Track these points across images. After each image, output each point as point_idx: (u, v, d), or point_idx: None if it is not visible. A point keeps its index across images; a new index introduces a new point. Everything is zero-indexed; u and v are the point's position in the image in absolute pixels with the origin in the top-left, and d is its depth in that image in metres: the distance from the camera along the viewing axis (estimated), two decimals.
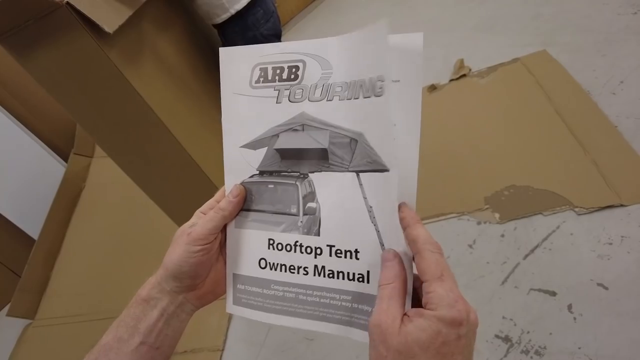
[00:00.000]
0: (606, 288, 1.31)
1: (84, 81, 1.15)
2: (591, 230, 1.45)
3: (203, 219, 0.46)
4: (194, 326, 1.79)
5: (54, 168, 2.62)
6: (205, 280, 0.47)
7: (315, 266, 0.44)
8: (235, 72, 0.46)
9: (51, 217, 2.44)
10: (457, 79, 2.29)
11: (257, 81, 0.45)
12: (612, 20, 2.19)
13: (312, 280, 0.44)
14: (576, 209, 1.51)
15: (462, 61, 2.36)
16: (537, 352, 1.26)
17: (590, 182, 1.55)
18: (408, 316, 0.33)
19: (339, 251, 0.42)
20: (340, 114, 0.40)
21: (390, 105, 0.36)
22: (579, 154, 1.65)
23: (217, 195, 0.50)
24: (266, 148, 0.45)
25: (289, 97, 0.43)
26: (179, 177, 1.42)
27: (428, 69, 2.49)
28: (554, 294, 1.36)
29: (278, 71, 0.44)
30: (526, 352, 1.27)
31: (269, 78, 0.44)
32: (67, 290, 2.31)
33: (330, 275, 0.43)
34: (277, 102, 0.44)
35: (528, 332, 1.31)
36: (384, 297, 0.34)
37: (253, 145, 0.45)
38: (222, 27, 1.52)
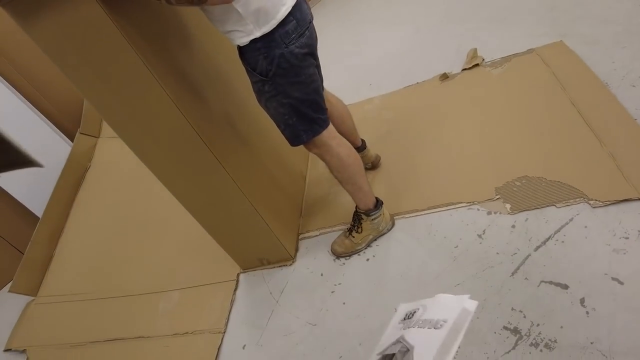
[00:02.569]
0: (621, 283, 1.27)
1: (89, 50, 1.11)
2: (606, 224, 1.41)
3: None
4: (196, 308, 1.77)
5: (59, 147, 2.60)
6: None
7: None
8: None
9: (56, 196, 2.42)
10: (470, 68, 2.24)
11: None
12: (632, 11, 2.13)
13: None
14: (591, 202, 1.47)
15: (475, 51, 2.31)
16: (547, 346, 1.23)
17: (607, 175, 1.51)
18: None
19: None
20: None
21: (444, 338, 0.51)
22: (595, 146, 1.60)
23: None
24: None
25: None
26: (184, 153, 1.39)
27: (440, 58, 2.44)
28: (565, 287, 1.32)
29: None
30: (536, 345, 1.24)
31: None
32: (70, 269, 2.30)
33: None
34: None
35: (538, 325, 1.27)
36: None
37: None
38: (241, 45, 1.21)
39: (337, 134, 1.48)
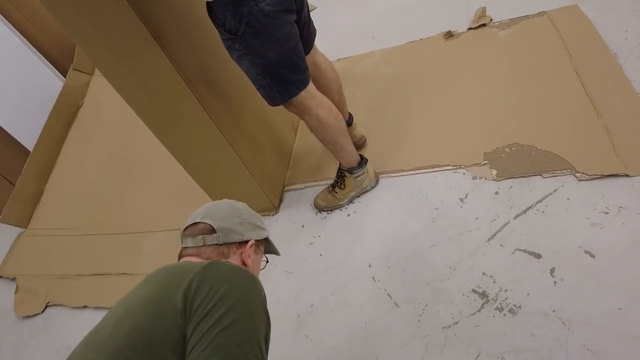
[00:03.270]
0: (593, 256, 1.27)
1: None
2: (589, 197, 1.39)
3: None
4: (177, 249, 1.75)
5: (52, 81, 2.56)
6: None
7: None
8: None
9: (47, 131, 2.41)
10: (476, 28, 2.14)
11: None
12: None
13: None
14: (577, 175, 1.44)
15: (484, 10, 2.19)
16: (511, 311, 1.25)
17: (598, 148, 1.48)
18: None
19: None
20: None
21: None
22: (592, 117, 1.56)
23: None
24: None
25: None
26: (166, 94, 1.35)
27: (448, 15, 2.33)
28: (539, 256, 1.33)
29: None
30: (500, 309, 1.26)
31: None
32: (60, 204, 2.33)
33: None
34: None
35: (506, 291, 1.29)
36: None
37: None
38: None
39: (317, 92, 1.41)
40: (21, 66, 2.43)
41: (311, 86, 1.38)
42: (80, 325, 1.80)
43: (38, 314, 1.91)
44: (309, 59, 1.47)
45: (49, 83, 2.54)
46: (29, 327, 1.89)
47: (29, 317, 1.91)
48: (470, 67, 1.98)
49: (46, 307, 1.92)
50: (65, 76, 2.59)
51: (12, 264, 2.19)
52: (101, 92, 2.71)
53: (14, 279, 2.10)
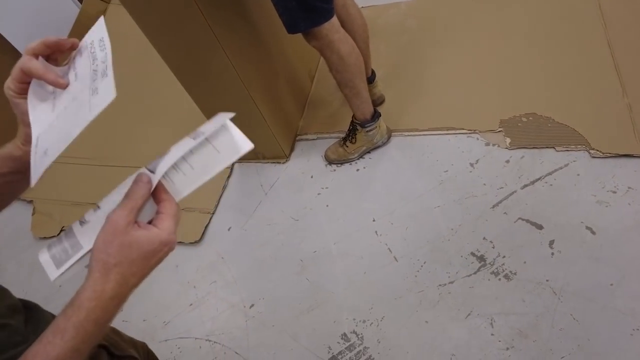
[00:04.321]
0: (594, 233, 1.30)
1: None
2: (599, 175, 1.40)
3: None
4: None
5: (67, 7, 2.50)
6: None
7: None
8: None
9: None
10: None
11: None
12: None
13: None
14: (591, 151, 1.44)
15: None
16: (506, 276, 1.30)
17: (617, 127, 1.46)
18: (139, 226, 0.43)
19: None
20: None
21: (193, 148, 0.47)
22: (616, 94, 1.52)
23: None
24: None
25: None
26: (183, 25, 1.33)
27: None
28: (540, 227, 1.36)
29: None
30: (496, 273, 1.31)
31: None
32: None
33: None
34: None
35: (504, 257, 1.34)
36: (127, 206, 0.42)
37: None
38: None
39: (341, 29, 1.37)
40: None
41: (336, 20, 1.34)
42: None
43: (54, 236, 2.00)
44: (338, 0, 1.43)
45: (65, 8, 2.48)
46: None
47: (45, 238, 2.01)
48: (497, 26, 1.90)
49: (61, 230, 2.01)
50: (81, 2, 2.53)
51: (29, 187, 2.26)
52: (118, 22, 2.64)
53: (30, 201, 2.18)
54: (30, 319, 0.56)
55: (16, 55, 2.36)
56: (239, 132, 0.48)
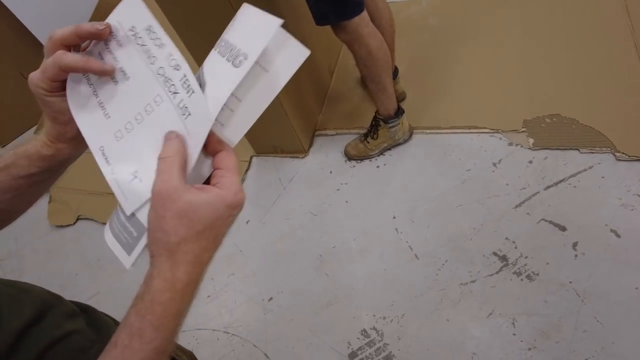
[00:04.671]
0: (618, 236, 1.29)
1: None
2: (624, 179, 1.39)
3: (52, 44, 0.42)
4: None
5: None
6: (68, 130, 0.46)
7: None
8: None
9: None
10: None
11: None
12: None
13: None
14: (617, 154, 1.43)
15: None
16: (528, 277, 1.30)
17: None
18: (195, 189, 0.36)
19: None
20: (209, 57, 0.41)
21: (240, 80, 0.37)
22: None
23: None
24: None
25: None
26: (216, 28, 1.33)
27: None
28: (564, 229, 1.35)
29: None
30: (518, 273, 1.31)
31: None
32: None
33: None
34: None
35: (526, 257, 1.33)
36: (165, 170, 0.35)
37: None
38: None
39: (371, 23, 1.36)
40: None
41: (366, 14, 1.33)
42: None
43: (70, 225, 2.01)
44: None
45: None
46: (61, 236, 2.00)
47: (61, 226, 2.02)
48: (521, 25, 1.89)
49: (77, 219, 2.02)
50: None
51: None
52: None
53: None
54: (90, 321, 0.53)
55: (34, 42, 2.37)
56: (292, 38, 0.39)
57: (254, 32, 0.38)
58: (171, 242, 0.35)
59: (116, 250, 0.43)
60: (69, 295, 0.55)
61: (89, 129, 0.44)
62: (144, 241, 0.40)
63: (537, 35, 1.83)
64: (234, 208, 0.36)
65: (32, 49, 2.37)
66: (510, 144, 1.57)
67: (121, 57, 0.42)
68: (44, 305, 0.48)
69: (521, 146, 1.55)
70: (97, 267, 1.84)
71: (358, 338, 1.34)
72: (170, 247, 0.35)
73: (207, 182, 0.39)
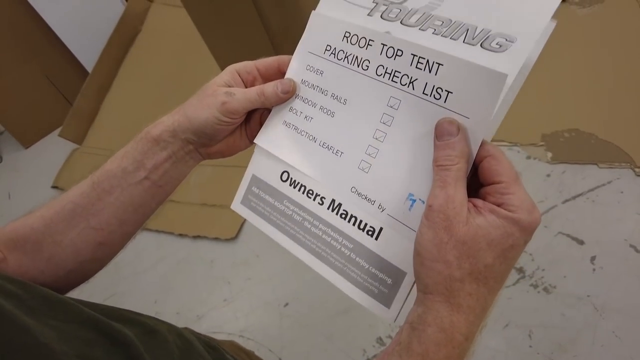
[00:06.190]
0: (638, 251, 1.29)
1: None
2: None
3: (243, 95, 0.43)
4: (225, 185, 1.87)
5: (114, 5, 2.59)
6: (220, 141, 0.47)
7: (333, 200, 0.40)
8: None
9: (106, 53, 2.47)
10: None
11: None
12: None
13: (323, 212, 0.41)
14: (637, 169, 1.43)
15: None
16: (545, 289, 1.30)
17: None
18: (476, 207, 0.29)
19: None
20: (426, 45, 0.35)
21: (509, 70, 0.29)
22: None
23: (271, 60, 0.45)
24: None
25: (382, 13, 0.38)
26: (243, 36, 1.38)
27: None
28: (581, 242, 1.35)
29: None
30: (535, 286, 1.31)
31: None
32: (113, 125, 2.43)
33: (343, 216, 0.40)
34: (368, 14, 0.39)
35: (543, 270, 1.33)
36: (450, 181, 0.28)
37: None
38: None
39: None
40: None
41: None
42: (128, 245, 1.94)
43: None
44: None
45: (111, 6, 2.57)
46: None
47: None
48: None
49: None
50: (127, 0, 2.61)
51: (66, 177, 2.33)
52: (160, 20, 2.72)
53: (62, 189, 2.25)
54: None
55: (68, 55, 2.45)
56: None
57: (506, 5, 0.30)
58: (453, 279, 0.27)
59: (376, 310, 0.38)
60: (85, 296, 0.56)
61: (329, 177, 0.40)
62: (405, 290, 0.34)
63: (557, 54, 1.84)
64: (530, 233, 0.29)
65: (58, 52, 2.45)
66: (528, 157, 1.58)
67: (326, 85, 0.41)
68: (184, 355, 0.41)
69: (539, 160, 1.56)
70: (113, 269, 1.87)
71: (374, 346, 1.35)
72: (451, 286, 0.27)
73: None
